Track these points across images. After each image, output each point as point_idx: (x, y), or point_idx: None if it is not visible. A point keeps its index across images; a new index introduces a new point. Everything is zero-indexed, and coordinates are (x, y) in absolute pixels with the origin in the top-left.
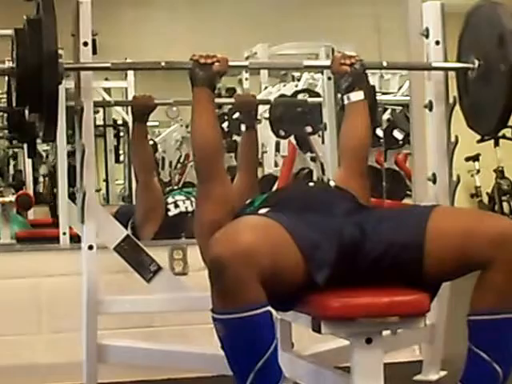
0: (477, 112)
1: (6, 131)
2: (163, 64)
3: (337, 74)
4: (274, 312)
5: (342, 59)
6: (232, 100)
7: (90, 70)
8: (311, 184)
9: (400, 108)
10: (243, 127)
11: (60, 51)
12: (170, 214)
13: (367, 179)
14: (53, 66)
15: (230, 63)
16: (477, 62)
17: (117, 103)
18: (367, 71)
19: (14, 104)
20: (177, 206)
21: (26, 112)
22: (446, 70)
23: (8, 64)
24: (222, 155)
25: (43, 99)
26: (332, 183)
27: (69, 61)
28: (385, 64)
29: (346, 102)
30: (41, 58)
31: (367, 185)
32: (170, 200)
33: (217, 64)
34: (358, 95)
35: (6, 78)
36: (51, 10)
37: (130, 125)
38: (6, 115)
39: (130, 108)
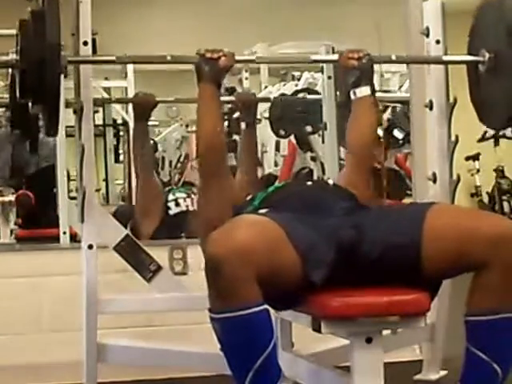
0: (488, 106)
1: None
2: (169, 58)
3: (344, 69)
4: (273, 311)
5: (350, 53)
6: (232, 98)
7: (93, 63)
8: (309, 183)
9: (400, 107)
10: (243, 125)
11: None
12: (171, 212)
13: (371, 176)
14: (56, 59)
15: (237, 58)
16: (487, 55)
17: (118, 100)
18: None
19: (17, 96)
20: (177, 205)
21: (30, 105)
22: (456, 63)
23: (12, 56)
24: (224, 153)
25: (46, 91)
26: (330, 182)
27: (71, 54)
28: (393, 57)
29: (352, 97)
30: (44, 50)
31: (371, 181)
32: (170, 197)
33: (223, 59)
34: (364, 90)
35: (10, 70)
36: (55, 2)
37: (130, 124)
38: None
39: (130, 107)
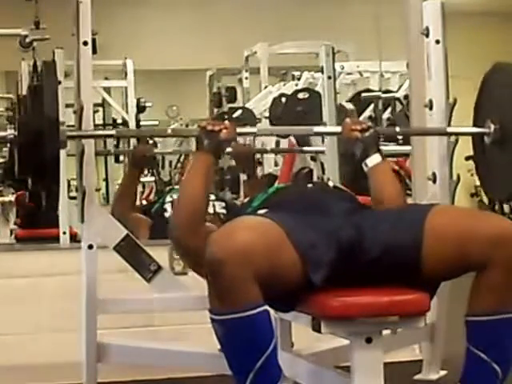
0: (493, 177)
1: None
2: (169, 131)
3: (347, 140)
4: (273, 312)
5: (353, 125)
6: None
7: (92, 137)
8: (310, 185)
9: (400, 107)
10: (245, 176)
11: (59, 50)
12: (167, 214)
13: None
14: (55, 134)
15: (239, 130)
16: (492, 127)
17: (116, 152)
18: (367, 72)
19: (16, 173)
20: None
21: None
22: (461, 134)
23: (10, 131)
24: (203, 221)
25: (45, 168)
26: (330, 183)
27: (71, 128)
28: (397, 130)
29: (365, 168)
30: (42, 126)
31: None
32: (167, 199)
33: (224, 131)
34: (374, 159)
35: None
36: (53, 77)
37: (130, 124)
38: None
39: (130, 107)
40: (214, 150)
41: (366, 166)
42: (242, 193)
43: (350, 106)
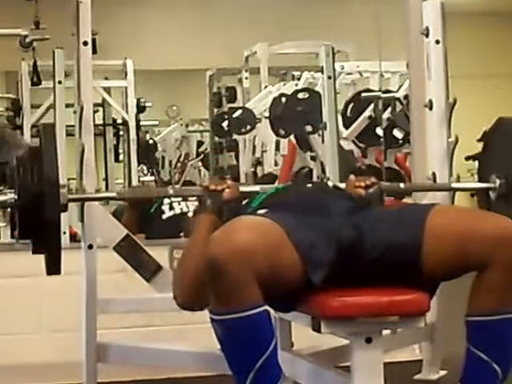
0: None
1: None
2: (171, 192)
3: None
4: (273, 312)
5: (357, 182)
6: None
7: (93, 200)
8: (309, 185)
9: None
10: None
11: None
12: (164, 216)
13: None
14: (55, 197)
15: (241, 189)
16: (498, 181)
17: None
18: (367, 72)
19: (17, 236)
20: (171, 209)
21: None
22: (466, 190)
23: (10, 195)
24: (205, 289)
25: (46, 231)
26: (330, 183)
27: (71, 192)
28: (402, 186)
29: None
30: (42, 189)
31: None
32: (166, 201)
33: (227, 191)
34: None
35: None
36: (52, 139)
37: (130, 124)
38: None
39: (130, 107)
40: (217, 210)
41: None
42: None
43: (349, 146)
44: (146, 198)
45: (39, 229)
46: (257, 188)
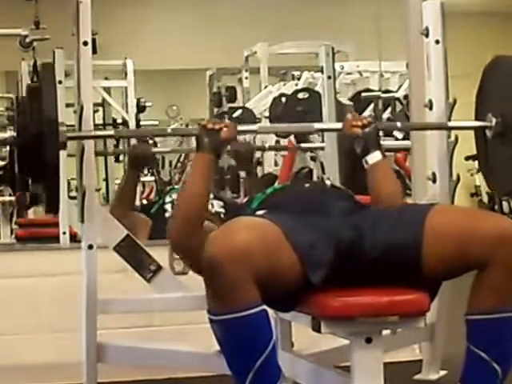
0: (495, 171)
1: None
2: (169, 131)
3: (349, 137)
4: (272, 312)
5: (354, 121)
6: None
7: (91, 138)
8: (307, 185)
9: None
10: (243, 174)
11: (59, 50)
12: (167, 214)
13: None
14: (54, 136)
15: (239, 128)
16: (494, 120)
17: (115, 152)
18: (367, 72)
19: (16, 172)
20: (173, 207)
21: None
22: (462, 129)
23: (9, 133)
24: (203, 221)
25: (45, 169)
26: (328, 182)
27: (70, 130)
28: (398, 125)
29: (365, 165)
30: (42, 128)
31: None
32: (167, 199)
33: (225, 130)
34: (375, 156)
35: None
36: (51, 77)
37: (130, 124)
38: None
39: (130, 107)
40: (214, 149)
41: (367, 163)
42: (241, 192)
43: (347, 101)
44: (144, 137)
45: (38, 166)
46: (254, 127)
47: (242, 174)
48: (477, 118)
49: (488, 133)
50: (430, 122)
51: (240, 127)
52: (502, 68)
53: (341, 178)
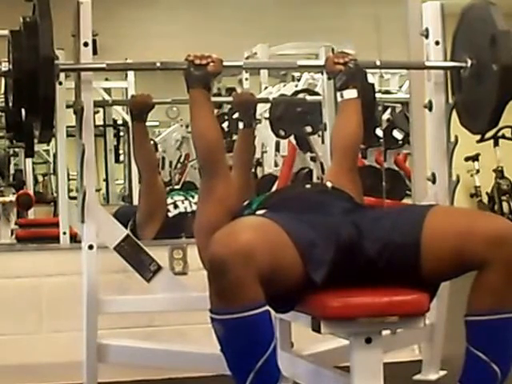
0: (469, 110)
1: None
2: (158, 64)
3: (331, 73)
4: (272, 312)
5: (336, 58)
6: (231, 99)
7: (85, 70)
8: (308, 186)
9: (400, 108)
10: (241, 125)
11: (59, 51)
12: (170, 214)
13: (357, 175)
14: (48, 68)
15: (225, 63)
16: (469, 61)
17: (115, 102)
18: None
19: (10, 104)
20: (176, 207)
21: (23, 113)
22: (438, 68)
23: (4, 65)
24: (223, 153)
25: (39, 101)
26: (329, 184)
27: (65, 61)
28: (378, 63)
29: (339, 99)
30: (36, 60)
31: (357, 180)
32: (169, 201)
33: (211, 64)
34: (350, 93)
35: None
36: (47, 11)
37: (130, 125)
38: (3, 114)
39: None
40: (204, 83)
41: (342, 96)
42: None
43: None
44: (147, 104)
45: (33, 96)
46: (240, 63)
47: (240, 125)
48: (452, 59)
49: (463, 73)
50: (408, 60)
51: (226, 62)
52: (478, 11)
53: None
